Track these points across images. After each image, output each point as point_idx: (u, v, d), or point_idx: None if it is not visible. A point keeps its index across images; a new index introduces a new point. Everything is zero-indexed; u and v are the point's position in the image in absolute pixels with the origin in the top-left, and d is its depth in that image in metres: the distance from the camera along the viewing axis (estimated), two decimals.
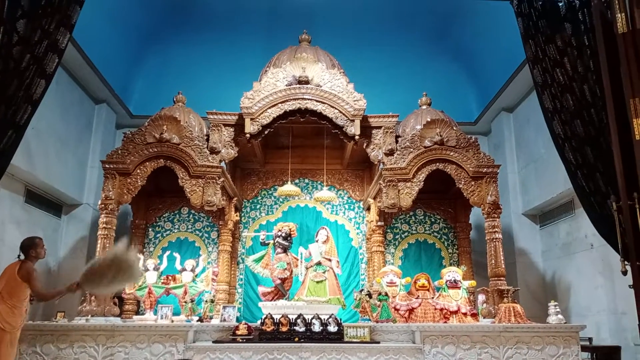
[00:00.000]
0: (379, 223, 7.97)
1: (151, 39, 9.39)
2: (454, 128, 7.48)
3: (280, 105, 7.14)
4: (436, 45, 9.78)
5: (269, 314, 6.07)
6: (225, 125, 7.50)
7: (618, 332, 6.87)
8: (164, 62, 9.68)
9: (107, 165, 7.08)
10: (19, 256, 5.19)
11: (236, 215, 8.23)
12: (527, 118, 8.95)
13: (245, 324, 6.05)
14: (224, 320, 6.47)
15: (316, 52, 8.10)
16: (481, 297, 6.89)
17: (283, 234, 7.28)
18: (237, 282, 8.49)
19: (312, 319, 5.96)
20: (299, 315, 5.98)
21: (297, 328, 5.88)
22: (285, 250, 7.23)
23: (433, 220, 8.75)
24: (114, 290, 6.11)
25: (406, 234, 8.66)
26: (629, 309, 5.93)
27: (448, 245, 8.61)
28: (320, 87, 7.19)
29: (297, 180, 8.86)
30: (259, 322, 6.10)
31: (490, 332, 5.91)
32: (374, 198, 7.99)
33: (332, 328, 5.89)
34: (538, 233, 9.29)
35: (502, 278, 6.89)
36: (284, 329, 5.86)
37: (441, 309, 6.57)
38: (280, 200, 8.91)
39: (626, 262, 4.38)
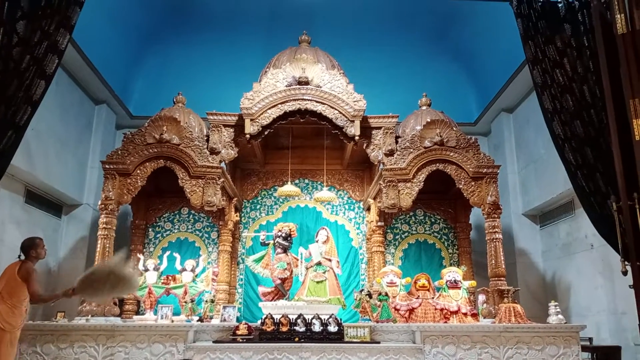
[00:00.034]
0: (379, 223, 7.97)
1: (151, 39, 9.39)
2: (454, 128, 7.48)
3: (280, 105, 7.14)
4: (436, 45, 9.79)
5: (269, 314, 6.07)
6: (225, 125, 7.50)
7: (618, 332, 6.87)
8: (163, 63, 9.68)
9: (107, 166, 7.08)
10: (19, 256, 5.20)
11: (236, 216, 8.23)
12: (527, 118, 8.96)
13: (246, 324, 6.05)
14: (224, 320, 6.47)
15: (316, 52, 8.10)
16: (481, 297, 6.89)
17: (283, 234, 7.28)
18: (237, 282, 8.49)
19: (312, 319, 5.96)
20: (299, 315, 5.99)
21: (297, 328, 5.88)
22: (285, 250, 7.24)
23: (433, 220, 8.76)
24: (109, 299, 6.12)
25: (406, 234, 8.66)
26: (629, 309, 5.94)
27: (448, 246, 8.62)
28: (320, 87, 7.20)
29: (297, 181, 8.87)
30: (259, 322, 6.10)
31: (491, 332, 5.91)
32: (374, 198, 8.00)
33: (333, 328, 5.90)
34: (538, 233, 9.30)
35: (502, 278, 6.89)
36: (284, 329, 5.87)
37: (441, 309, 6.58)
38: (280, 200, 8.92)
39: (626, 262, 4.39)
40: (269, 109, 7.13)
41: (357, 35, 9.47)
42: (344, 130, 7.15)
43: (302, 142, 8.63)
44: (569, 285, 8.19)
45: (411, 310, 6.62)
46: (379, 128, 7.53)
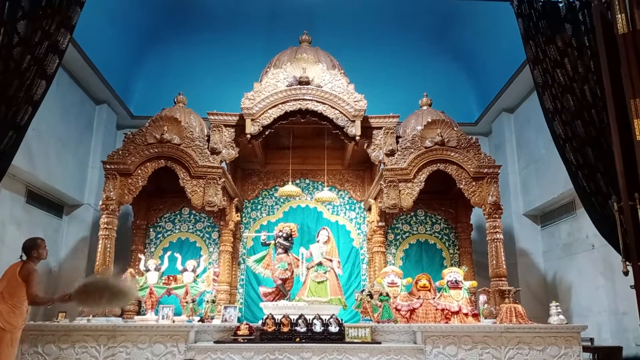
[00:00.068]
0: (380, 223, 7.97)
1: (152, 39, 9.40)
2: (455, 128, 7.48)
3: (280, 105, 7.14)
4: (436, 45, 9.78)
5: (270, 314, 6.07)
6: (225, 125, 7.50)
7: (619, 332, 6.87)
8: (164, 63, 9.69)
9: (108, 166, 7.08)
10: (21, 257, 5.20)
11: (237, 216, 8.23)
12: (528, 118, 8.95)
13: (247, 324, 6.05)
14: (225, 320, 6.47)
15: (317, 52, 8.10)
16: (482, 298, 6.89)
17: (284, 235, 7.28)
18: (238, 282, 8.49)
19: (313, 319, 5.96)
20: (300, 316, 5.98)
21: (298, 328, 5.88)
22: (286, 250, 7.23)
23: (434, 220, 8.75)
24: (104, 308, 6.08)
25: (407, 234, 8.66)
26: (630, 310, 5.93)
27: (449, 246, 8.61)
28: (321, 87, 7.20)
29: (297, 181, 8.87)
30: (260, 322, 6.10)
31: (492, 332, 5.91)
32: (375, 198, 7.99)
33: (334, 328, 5.90)
34: (539, 233, 9.29)
35: (503, 278, 6.89)
36: (285, 329, 5.87)
37: (442, 310, 6.57)
38: (281, 200, 8.92)
39: (627, 263, 4.38)
40: (270, 109, 7.13)
41: (357, 35, 9.47)
42: (344, 130, 7.15)
43: (302, 142, 8.63)
44: (570, 285, 8.18)
45: (412, 311, 6.61)
46: (380, 128, 7.53)
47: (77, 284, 5.02)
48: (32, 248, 5.24)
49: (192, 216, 8.59)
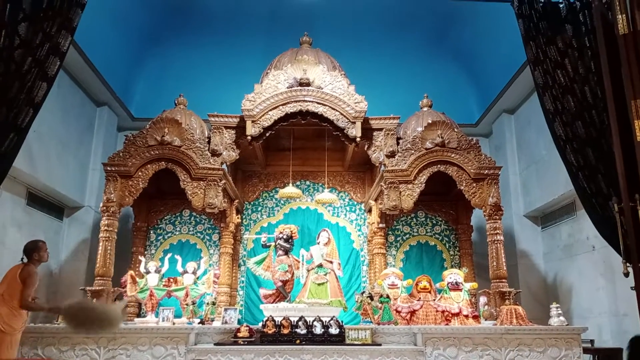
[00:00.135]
0: (380, 225, 7.96)
1: (152, 41, 9.41)
2: (455, 130, 7.48)
3: (281, 107, 7.15)
4: (437, 47, 9.79)
5: (271, 316, 6.07)
6: (226, 127, 7.51)
7: (620, 334, 6.85)
8: (165, 65, 9.69)
9: (108, 168, 7.09)
10: (22, 259, 5.20)
11: (237, 218, 8.23)
12: (528, 119, 8.95)
13: (247, 326, 6.05)
14: (226, 322, 6.47)
15: (317, 54, 8.10)
16: (483, 299, 6.88)
17: (284, 236, 7.28)
18: (239, 284, 8.49)
19: (314, 321, 5.97)
20: (301, 318, 5.98)
21: (298, 330, 5.88)
22: (286, 252, 7.23)
23: (434, 222, 8.75)
24: (85, 334, 5.93)
25: (407, 235, 8.66)
26: (631, 311, 5.92)
27: (449, 247, 8.61)
28: (322, 89, 7.20)
29: (298, 183, 8.87)
30: (260, 324, 6.10)
31: (492, 334, 5.90)
32: (375, 200, 7.99)
33: (334, 330, 5.90)
34: (539, 235, 9.28)
35: (503, 280, 6.89)
36: (286, 331, 5.87)
37: (443, 311, 6.56)
38: (282, 202, 8.91)
39: (628, 264, 4.37)
40: (270, 110, 7.14)
41: (358, 36, 9.48)
42: (345, 131, 7.15)
43: (303, 144, 8.63)
44: (571, 287, 8.18)
45: (412, 312, 6.61)
46: (380, 129, 7.53)
47: (72, 300, 4.92)
48: (33, 250, 5.23)
49: (192, 218, 8.60)
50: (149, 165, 7.17)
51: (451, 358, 5.82)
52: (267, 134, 7.23)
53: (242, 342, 5.80)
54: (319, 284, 7.02)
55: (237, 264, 8.49)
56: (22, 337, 5.27)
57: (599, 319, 7.32)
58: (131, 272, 7.28)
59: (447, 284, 6.81)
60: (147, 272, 7.17)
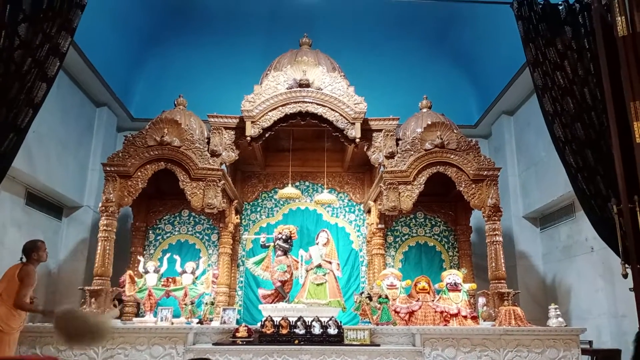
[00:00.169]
0: (380, 226, 7.96)
1: (152, 42, 9.41)
2: (455, 131, 7.48)
3: (281, 108, 7.16)
4: (436, 48, 9.80)
5: (269, 316, 6.08)
6: (226, 128, 7.52)
7: (618, 335, 6.86)
8: (164, 65, 9.70)
9: (108, 168, 7.09)
10: (21, 259, 5.20)
11: (236, 218, 8.23)
12: (528, 121, 8.96)
13: (245, 326, 6.05)
14: (224, 322, 6.47)
15: (317, 55, 8.11)
16: (481, 300, 6.89)
17: (283, 237, 7.28)
18: (237, 284, 8.49)
19: (312, 321, 5.97)
20: (299, 318, 5.99)
21: (297, 330, 5.89)
22: (285, 252, 7.24)
23: (433, 223, 8.75)
24: (72, 345, 5.83)
25: (407, 236, 8.66)
26: (630, 312, 5.93)
27: (448, 248, 8.61)
28: (321, 90, 7.21)
29: (297, 183, 8.87)
30: (259, 324, 6.11)
31: (491, 335, 5.91)
32: (375, 201, 8.00)
33: (332, 330, 5.90)
34: (538, 236, 9.29)
35: (502, 281, 6.89)
36: (284, 331, 5.87)
37: (441, 312, 6.57)
38: (281, 202, 8.91)
39: (627, 265, 4.38)
40: (270, 111, 7.14)
41: (357, 37, 9.49)
42: (344, 132, 7.16)
43: (302, 145, 8.64)
44: (570, 288, 8.18)
45: (411, 313, 6.61)
46: (380, 130, 7.54)
47: (62, 309, 4.84)
48: (32, 250, 5.24)
49: (191, 218, 8.60)
50: (148, 166, 7.16)
51: (449, 359, 5.83)
52: (267, 135, 7.23)
53: (240, 342, 5.80)
54: (317, 285, 7.03)
55: (236, 264, 8.50)
56: (20, 337, 5.27)
57: (597, 320, 7.32)
58: (130, 272, 7.28)
59: (446, 285, 6.82)
60: (146, 272, 7.17)
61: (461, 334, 5.92)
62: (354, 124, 7.14)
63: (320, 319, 6.02)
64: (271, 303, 6.99)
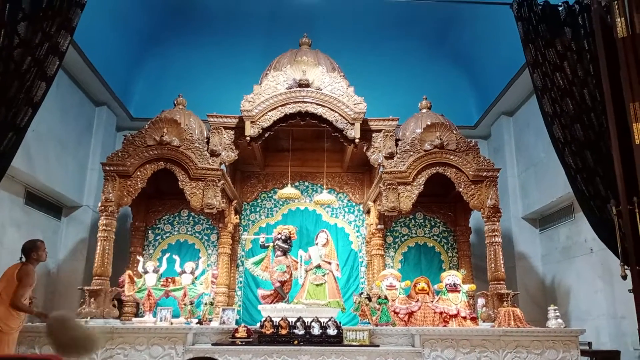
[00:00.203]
0: (379, 226, 7.96)
1: (151, 41, 9.40)
2: (454, 132, 7.48)
3: (280, 108, 7.15)
4: (436, 49, 9.80)
5: (269, 316, 6.07)
6: (225, 128, 7.51)
7: (618, 336, 6.86)
8: (164, 65, 9.69)
9: (107, 168, 7.08)
10: (20, 258, 5.20)
11: (236, 218, 8.23)
12: (527, 122, 8.96)
13: (245, 326, 6.05)
14: (223, 322, 6.47)
15: (316, 55, 8.11)
16: (481, 301, 6.89)
17: (283, 237, 7.28)
18: (237, 284, 8.49)
19: (312, 322, 5.97)
20: (299, 318, 5.98)
21: (296, 331, 5.88)
22: (285, 253, 7.23)
23: (433, 223, 8.75)
24: (58, 352, 5.74)
25: (406, 237, 8.66)
26: (629, 314, 5.93)
27: (448, 249, 8.61)
28: (321, 90, 7.21)
29: (297, 183, 8.87)
30: (258, 324, 6.10)
31: (490, 336, 5.91)
32: (374, 201, 7.99)
33: (332, 331, 5.90)
34: (538, 237, 9.29)
35: (501, 282, 6.89)
36: (284, 331, 5.87)
37: (441, 313, 6.57)
38: (280, 203, 8.91)
39: (626, 267, 4.39)
40: (270, 111, 7.14)
41: (357, 38, 9.48)
42: (344, 132, 7.16)
43: (302, 145, 8.63)
44: (569, 289, 8.18)
45: (410, 314, 6.61)
46: (379, 131, 7.54)
47: (56, 314, 4.76)
48: (32, 250, 5.24)
49: (191, 218, 8.59)
50: (147, 165, 7.16)
51: (449, 359, 5.83)
52: (266, 135, 7.23)
53: (240, 343, 5.80)
54: (317, 285, 7.02)
55: (236, 265, 8.49)
56: (19, 337, 5.27)
57: (597, 321, 7.33)
58: (129, 271, 7.28)
59: (445, 286, 6.81)
60: (145, 272, 7.18)
61: (460, 334, 5.92)
62: (353, 124, 7.14)
63: (319, 319, 6.01)
64: (270, 303, 6.99)
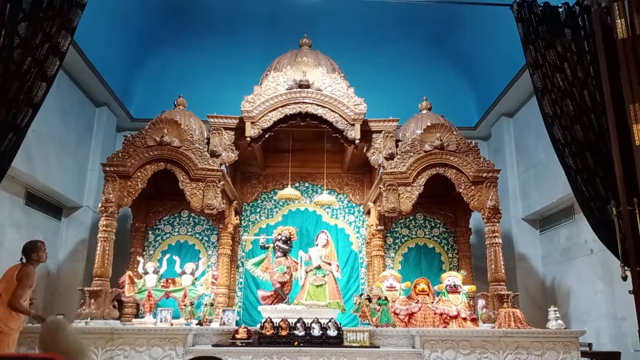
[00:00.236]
0: (379, 227, 7.96)
1: (152, 42, 9.41)
2: (454, 133, 7.48)
3: (280, 109, 7.15)
4: (436, 50, 9.80)
5: (269, 317, 6.07)
6: (225, 128, 7.51)
7: (618, 337, 6.86)
8: (164, 66, 9.69)
9: (107, 168, 7.07)
10: (21, 259, 5.20)
11: (236, 219, 8.23)
12: (527, 123, 8.96)
13: (245, 327, 6.04)
14: (224, 323, 6.46)
15: (317, 56, 8.11)
16: (481, 302, 6.88)
17: (283, 238, 7.28)
18: (237, 285, 8.49)
19: (312, 323, 5.96)
20: (299, 319, 5.98)
21: (296, 332, 5.88)
22: (285, 254, 7.24)
23: (433, 224, 8.75)
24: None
25: (406, 238, 8.66)
26: (629, 315, 5.92)
27: (448, 250, 8.61)
28: (321, 91, 7.21)
29: (297, 184, 8.87)
30: (258, 325, 6.10)
31: (490, 337, 5.91)
32: (374, 202, 7.99)
33: (332, 332, 5.90)
34: (538, 238, 9.29)
35: (502, 283, 6.88)
36: (284, 332, 5.87)
37: (441, 314, 6.56)
38: (280, 203, 8.91)
39: (626, 268, 4.39)
40: (270, 112, 7.14)
41: (357, 39, 9.48)
42: (344, 133, 7.16)
43: (302, 146, 8.64)
44: (569, 290, 8.18)
45: (411, 315, 6.61)
46: (380, 132, 7.53)
47: (52, 319, 4.71)
48: (32, 251, 5.24)
49: (191, 219, 8.59)
50: (147, 166, 7.15)
51: None
52: (267, 136, 7.23)
53: (240, 344, 5.80)
54: (317, 286, 7.03)
55: (236, 265, 8.49)
56: (19, 338, 5.26)
57: (597, 323, 7.32)
58: (129, 272, 7.28)
59: (446, 287, 6.81)
60: (146, 273, 7.17)
61: (461, 335, 5.91)
62: (353, 125, 7.14)
63: (319, 320, 6.01)
64: (271, 304, 6.99)
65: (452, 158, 7.26)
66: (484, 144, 10.28)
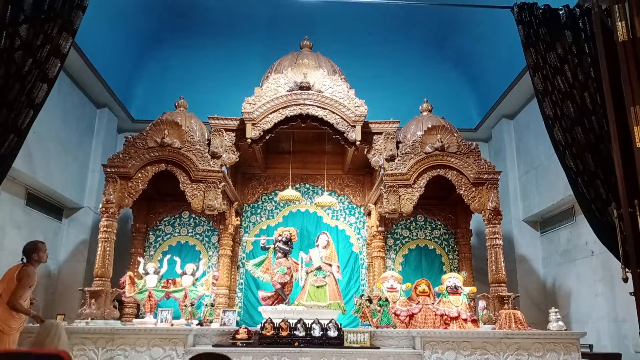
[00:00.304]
0: (380, 228, 7.97)
1: (153, 44, 9.42)
2: (455, 134, 7.49)
3: (281, 110, 7.16)
4: (437, 52, 9.81)
5: (269, 318, 6.07)
6: (226, 130, 7.52)
7: (619, 339, 6.86)
8: (165, 67, 9.70)
9: (108, 169, 7.08)
10: (21, 259, 5.20)
11: (237, 220, 8.24)
12: (528, 125, 8.97)
13: (245, 328, 6.05)
14: (224, 324, 6.46)
15: (317, 58, 8.12)
16: (482, 303, 6.88)
17: (283, 239, 7.29)
18: (237, 286, 8.49)
19: (312, 323, 5.97)
20: (299, 320, 5.99)
21: (297, 333, 5.88)
22: (285, 254, 7.24)
23: (434, 226, 8.75)
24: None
25: (407, 239, 8.66)
26: (630, 316, 5.93)
27: (449, 251, 8.61)
28: (322, 93, 7.21)
29: (297, 185, 8.87)
30: (259, 326, 6.10)
31: (491, 338, 5.90)
32: (375, 203, 8.00)
33: (332, 333, 5.90)
34: (538, 239, 9.29)
35: (502, 284, 6.88)
36: (284, 333, 5.87)
37: (441, 315, 6.56)
38: (281, 205, 8.92)
39: (627, 269, 4.38)
40: (271, 113, 7.14)
41: (358, 40, 9.49)
42: (345, 135, 7.16)
43: (303, 147, 8.65)
44: (570, 291, 8.18)
45: (411, 316, 6.60)
46: (380, 133, 7.54)
47: (49, 322, 4.67)
48: (33, 251, 5.24)
49: (191, 220, 8.60)
50: (148, 167, 7.16)
51: None
52: (267, 137, 7.23)
53: (240, 344, 5.80)
54: (317, 287, 7.03)
55: (236, 266, 8.50)
56: (20, 337, 5.27)
57: (597, 324, 7.32)
58: (130, 273, 7.29)
59: (446, 288, 6.81)
60: (146, 274, 7.18)
61: (461, 337, 5.91)
62: (354, 126, 7.14)
63: (320, 321, 6.01)
64: (271, 305, 6.99)
65: (452, 160, 7.26)
66: (484, 146, 10.29)
